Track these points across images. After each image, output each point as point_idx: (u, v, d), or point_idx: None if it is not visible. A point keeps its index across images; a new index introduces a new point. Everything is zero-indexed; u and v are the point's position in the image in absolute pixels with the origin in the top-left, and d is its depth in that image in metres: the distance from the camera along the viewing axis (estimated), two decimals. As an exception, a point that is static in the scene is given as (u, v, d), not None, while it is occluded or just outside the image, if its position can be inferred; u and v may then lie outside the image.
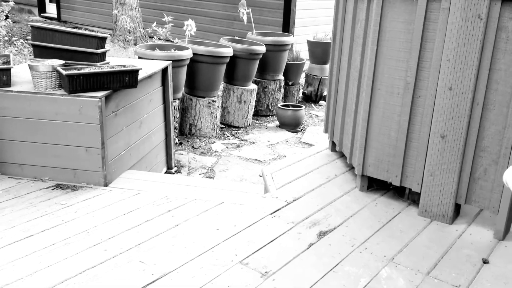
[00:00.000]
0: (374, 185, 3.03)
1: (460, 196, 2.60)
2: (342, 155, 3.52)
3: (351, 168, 3.30)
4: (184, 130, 5.04)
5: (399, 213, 2.75)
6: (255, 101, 5.68)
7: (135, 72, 3.11)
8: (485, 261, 2.31)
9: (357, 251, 2.36)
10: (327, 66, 6.36)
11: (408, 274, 2.19)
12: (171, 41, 6.15)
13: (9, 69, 3.00)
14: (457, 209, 2.70)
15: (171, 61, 3.99)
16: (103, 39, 3.33)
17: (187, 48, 4.75)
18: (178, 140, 4.84)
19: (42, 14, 12.01)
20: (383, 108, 2.80)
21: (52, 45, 3.22)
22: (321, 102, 6.43)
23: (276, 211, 2.72)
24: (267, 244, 2.39)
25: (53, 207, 2.74)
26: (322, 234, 2.50)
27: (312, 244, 2.40)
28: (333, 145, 3.59)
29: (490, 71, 2.39)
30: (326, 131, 3.68)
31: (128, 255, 2.25)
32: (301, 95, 6.51)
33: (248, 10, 5.98)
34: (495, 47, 2.35)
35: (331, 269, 2.20)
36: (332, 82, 3.48)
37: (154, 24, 6.23)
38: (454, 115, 2.50)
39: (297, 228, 2.55)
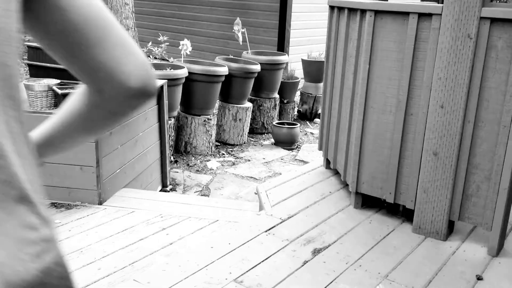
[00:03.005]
0: (368, 202, 3.04)
1: (453, 213, 2.61)
2: (336, 172, 3.53)
3: (346, 185, 3.32)
4: (179, 148, 5.05)
5: (393, 230, 2.76)
6: (250, 119, 5.72)
7: (130, 91, 3.13)
8: (479, 278, 2.31)
9: (351, 268, 2.36)
10: (322, 85, 6.41)
11: (402, 292, 2.19)
12: (167, 60, 6.20)
13: (5, 88, 3.02)
14: (451, 226, 2.71)
15: (166, 80, 4.03)
16: (99, 59, 3.36)
17: (183, 67, 4.80)
18: (173, 158, 4.85)
19: (39, 34, 12.08)
20: (376, 126, 2.83)
21: (48, 64, 3.25)
22: (316, 119, 6.47)
23: (270, 228, 2.73)
24: (262, 262, 2.39)
25: (47, 225, 2.73)
26: (316, 252, 2.50)
27: (307, 262, 2.40)
28: (327, 163, 3.61)
29: (480, 89, 2.42)
30: (320, 148, 3.70)
31: (122, 274, 2.25)
32: (296, 113, 6.55)
33: (243, 30, 6.06)
34: (485, 65, 2.40)
35: (326, 287, 2.20)
36: (326, 100, 3.52)
37: (150, 43, 6.29)
38: (446, 133, 2.53)
39: (291, 245, 2.55)
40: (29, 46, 3.31)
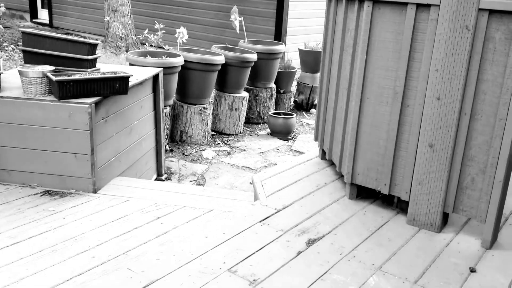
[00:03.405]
0: (363, 193, 3.05)
1: (448, 205, 2.62)
2: (332, 163, 3.53)
3: (341, 176, 3.32)
4: (175, 137, 5.03)
5: (388, 222, 2.76)
6: (247, 108, 5.70)
7: (125, 79, 3.11)
8: (473, 270, 2.32)
9: (345, 259, 2.36)
10: (318, 75, 6.40)
11: (395, 283, 2.20)
12: (163, 48, 6.16)
13: (-2, 75, 2.99)
14: (445, 218, 2.72)
15: (162, 68, 4.00)
16: (94, 46, 3.33)
17: (179, 56, 4.76)
18: (169, 147, 4.83)
19: (34, 20, 11.98)
20: (372, 117, 2.82)
21: (43, 51, 3.22)
22: (312, 110, 6.46)
23: (265, 218, 2.72)
24: (256, 251, 2.39)
25: (41, 213, 2.72)
26: (310, 242, 2.50)
27: (301, 252, 2.41)
28: (323, 153, 3.60)
29: (477, 81, 2.41)
30: (316, 139, 3.69)
31: (116, 263, 2.24)
32: (292, 103, 6.53)
33: (240, 18, 6.01)
34: (482, 57, 2.39)
35: (319, 277, 2.20)
36: (322, 91, 3.51)
37: (146, 31, 6.24)
38: (442, 125, 2.52)
39: (286, 236, 2.55)
40: (23, 32, 3.26)
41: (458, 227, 2.74)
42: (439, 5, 2.44)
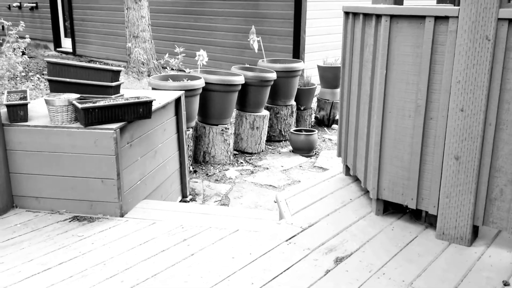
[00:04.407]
0: (390, 208, 3.01)
1: (477, 218, 2.57)
2: (356, 179, 3.50)
3: (366, 192, 3.29)
4: (198, 158, 5.07)
5: (416, 237, 2.72)
6: (268, 127, 5.72)
7: (149, 103, 3.17)
8: (506, 284, 2.26)
9: (374, 277, 2.33)
10: (338, 90, 6.39)
11: (427, 299, 2.15)
12: (184, 71, 6.25)
13: (26, 104, 3.08)
14: (475, 231, 2.67)
15: (184, 91, 4.06)
16: (117, 72, 3.41)
17: (200, 78, 4.83)
18: (193, 168, 4.87)
19: (57, 49, 12.32)
20: (395, 131, 2.80)
21: (68, 79, 3.31)
22: (334, 125, 6.44)
23: (291, 237, 2.71)
24: (284, 271, 2.38)
25: (70, 239, 2.76)
26: (338, 260, 2.48)
27: (329, 271, 2.38)
28: (347, 169, 3.58)
29: (500, 91, 2.39)
30: (339, 155, 3.68)
31: (144, 286, 2.26)
32: (313, 119, 6.53)
33: (258, 38, 6.08)
34: (504, 67, 2.36)
35: (349, 296, 2.18)
36: (343, 107, 3.50)
37: (167, 55, 6.35)
38: (467, 136, 2.49)
39: (313, 254, 2.54)
40: (48, 62, 3.37)
41: (489, 239, 2.68)
42: (457, 17, 2.43)
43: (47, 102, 3.02)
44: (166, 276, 2.34)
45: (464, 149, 2.51)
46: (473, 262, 2.45)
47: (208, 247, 2.63)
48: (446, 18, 2.49)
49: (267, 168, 5.00)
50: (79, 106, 2.92)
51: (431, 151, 2.68)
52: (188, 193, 4.14)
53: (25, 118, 3.08)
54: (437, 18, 2.52)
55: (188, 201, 4.11)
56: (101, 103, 3.03)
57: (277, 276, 2.33)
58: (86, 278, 2.34)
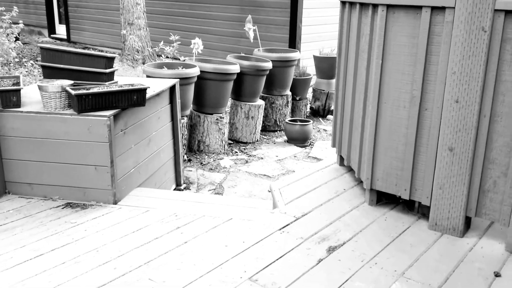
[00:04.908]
0: (383, 199, 3.02)
1: (470, 209, 2.58)
2: (350, 169, 3.51)
3: (360, 182, 3.30)
4: (192, 147, 5.06)
5: (409, 227, 2.73)
6: (263, 116, 5.71)
7: (143, 91, 3.15)
8: (497, 275, 2.28)
9: (367, 266, 2.34)
10: (334, 81, 6.38)
11: (419, 289, 2.17)
12: (179, 59, 6.21)
13: (19, 90, 3.05)
14: (468, 222, 2.68)
15: (178, 79, 4.03)
16: (111, 59, 3.38)
17: (195, 66, 4.80)
18: (187, 157, 4.86)
19: (52, 35, 12.21)
20: (389, 121, 2.80)
21: (61, 65, 3.28)
22: (329, 116, 6.44)
23: (284, 226, 2.72)
24: (276, 260, 2.38)
25: (63, 225, 2.75)
26: (331, 250, 2.49)
27: (322, 260, 2.39)
28: (341, 160, 3.59)
29: (496, 83, 2.38)
30: (334, 145, 3.68)
31: (137, 273, 2.26)
32: (308, 109, 6.53)
33: (254, 27, 6.04)
34: (500, 59, 2.36)
35: (341, 285, 2.19)
36: (338, 97, 3.50)
37: (162, 43, 6.31)
38: (462, 128, 2.49)
39: (306, 243, 2.54)
40: (42, 48, 3.33)
41: (481, 231, 2.69)
42: (454, 7, 2.42)
43: (40, 88, 2.99)
44: (159, 263, 2.34)
45: (458, 141, 2.51)
46: (465, 253, 2.47)
47: (202, 235, 2.63)
48: (442, 8, 2.48)
49: (262, 158, 5.00)
50: (73, 92, 2.89)
51: (426, 142, 2.68)
52: (182, 182, 4.14)
53: (18, 104, 3.06)
54: (433, 9, 2.51)
55: (182, 190, 4.10)
56: (95, 89, 3.01)
57: (270, 264, 2.34)
58: (78, 264, 2.34)
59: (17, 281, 2.20)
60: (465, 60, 2.42)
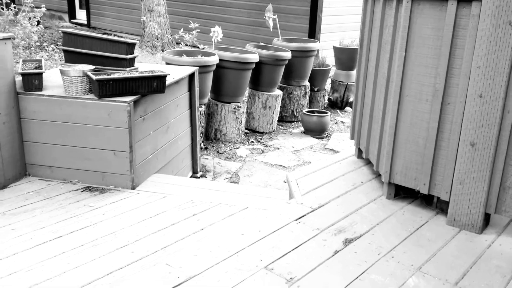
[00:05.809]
0: (401, 193, 3.00)
1: (490, 206, 2.55)
2: (368, 162, 3.49)
3: (378, 175, 3.27)
4: (209, 135, 5.07)
5: (427, 222, 2.71)
6: (280, 107, 5.69)
7: (163, 78, 3.15)
8: (516, 273, 2.25)
9: (383, 260, 2.33)
10: (353, 72, 6.33)
11: (436, 284, 2.15)
12: (198, 47, 6.21)
13: (41, 74, 3.08)
14: (487, 218, 2.65)
15: (197, 67, 4.03)
16: (132, 45, 3.39)
17: (214, 54, 4.80)
18: (204, 145, 4.87)
19: (72, 20, 12.29)
20: (411, 115, 2.77)
21: (83, 50, 3.30)
22: (347, 108, 6.40)
23: (301, 217, 2.71)
24: (292, 250, 2.38)
25: (82, 209, 2.79)
26: (347, 242, 2.48)
27: (338, 252, 2.39)
28: (359, 152, 3.56)
29: (522, 78, 2.34)
30: (352, 137, 3.66)
31: (154, 258, 2.28)
32: (326, 101, 6.49)
33: (274, 16, 6.01)
34: (527, 54, 2.31)
35: (357, 277, 2.18)
36: (359, 88, 3.46)
37: (181, 30, 6.31)
38: (484, 123, 2.45)
39: (322, 234, 2.54)
40: (64, 32, 3.35)
41: (500, 228, 2.66)
42: (481, 1, 2.37)
43: (62, 72, 3.02)
44: (176, 249, 2.36)
45: (481, 136, 2.48)
46: (483, 250, 2.44)
47: (218, 223, 2.64)
48: (469, 1, 2.43)
49: (278, 148, 4.99)
50: (94, 77, 2.91)
51: (447, 136, 2.64)
52: (198, 169, 4.15)
53: (39, 88, 3.09)
54: (460, 1, 2.47)
55: (199, 177, 4.12)
56: (116, 75, 3.02)
57: (286, 254, 2.34)
58: (96, 247, 2.37)
59: (36, 261, 2.23)
60: (490, 54, 2.38)
